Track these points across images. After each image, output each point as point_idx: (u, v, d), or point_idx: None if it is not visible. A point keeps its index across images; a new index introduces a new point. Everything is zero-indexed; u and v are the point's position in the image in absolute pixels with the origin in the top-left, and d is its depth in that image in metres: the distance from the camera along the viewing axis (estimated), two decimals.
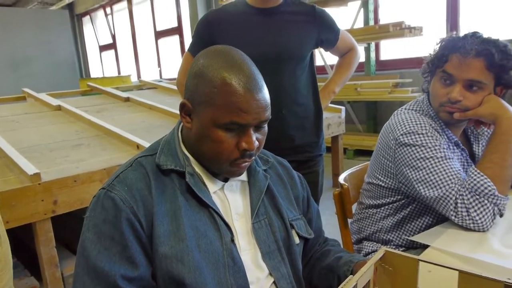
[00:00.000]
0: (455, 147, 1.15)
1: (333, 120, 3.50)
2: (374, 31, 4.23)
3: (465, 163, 1.16)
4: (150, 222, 0.73)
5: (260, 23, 1.49)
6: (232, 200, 0.83)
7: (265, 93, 0.76)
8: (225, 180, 0.84)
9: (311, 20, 1.53)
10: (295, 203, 0.93)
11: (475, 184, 0.99)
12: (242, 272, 0.77)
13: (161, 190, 0.77)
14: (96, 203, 0.75)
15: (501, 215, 1.01)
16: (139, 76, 8.83)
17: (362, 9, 4.56)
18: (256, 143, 0.77)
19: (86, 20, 10.57)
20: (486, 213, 0.97)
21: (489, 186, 0.98)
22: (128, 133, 2.52)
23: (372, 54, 4.69)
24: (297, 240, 0.87)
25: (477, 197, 0.98)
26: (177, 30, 7.52)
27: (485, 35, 1.10)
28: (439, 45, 1.14)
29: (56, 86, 5.02)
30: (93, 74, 10.55)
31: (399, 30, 4.05)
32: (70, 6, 10.13)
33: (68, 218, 2.11)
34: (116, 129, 2.59)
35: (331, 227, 1.61)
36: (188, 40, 7.13)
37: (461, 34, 1.13)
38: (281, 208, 0.88)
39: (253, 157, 0.80)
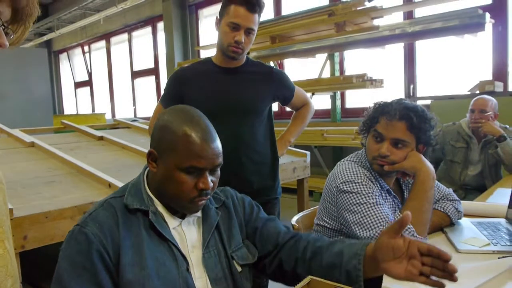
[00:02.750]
0: (387, 194, 1.34)
1: (299, 164, 3.69)
2: (339, 82, 4.55)
3: (396, 208, 1.35)
4: (117, 253, 0.87)
5: (224, 80, 1.68)
6: (188, 234, 0.97)
7: (218, 143, 0.94)
8: (183, 217, 0.99)
9: (269, 79, 1.73)
10: (239, 229, 1.06)
11: None
12: None
13: (128, 226, 0.91)
14: (70, 237, 0.88)
15: None
16: (113, 114, 8.92)
17: (328, 61, 4.91)
18: (211, 184, 0.93)
19: (63, 56, 10.70)
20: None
21: (409, 228, 1.16)
22: (101, 172, 2.61)
23: (338, 102, 5.00)
24: (239, 268, 1.00)
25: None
26: (154, 71, 7.75)
27: (408, 102, 1.32)
28: (372, 108, 1.36)
29: (30, 122, 5.08)
30: (67, 111, 10.55)
31: (362, 81, 4.37)
32: (48, 43, 10.27)
33: (36, 257, 2.16)
34: (88, 168, 2.68)
35: None
36: (163, 80, 7.36)
37: (389, 100, 1.35)
38: (225, 242, 1.01)
39: (209, 196, 0.96)
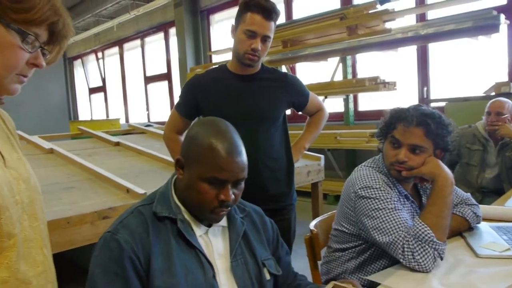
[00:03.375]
0: (405, 200, 1.35)
1: (313, 167, 3.70)
2: (351, 85, 4.55)
3: (415, 213, 1.36)
4: (148, 260, 0.90)
5: (239, 87, 1.69)
6: (214, 243, 1.00)
7: (243, 157, 0.97)
8: (209, 225, 1.02)
9: (284, 86, 1.75)
10: (267, 245, 1.11)
11: (417, 232, 1.18)
12: None
13: (157, 233, 0.94)
14: (103, 244, 0.92)
15: (441, 258, 1.19)
16: (127, 119, 9.03)
17: (341, 64, 4.91)
18: (233, 196, 0.96)
19: (77, 63, 10.88)
20: (428, 257, 1.15)
21: (429, 233, 1.17)
22: (119, 178, 2.66)
23: (351, 105, 5.00)
24: (268, 276, 1.04)
25: (420, 242, 1.17)
26: (166, 76, 7.83)
27: (424, 108, 1.33)
28: (388, 114, 1.37)
29: (47, 128, 5.17)
30: (81, 116, 10.71)
31: (375, 84, 4.37)
32: None
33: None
34: (107, 173, 2.73)
35: (306, 269, 1.76)
36: (176, 85, 7.43)
37: (406, 106, 1.36)
38: (255, 249, 1.05)
39: (230, 208, 0.99)
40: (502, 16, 3.48)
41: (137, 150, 3.55)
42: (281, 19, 5.65)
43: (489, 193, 2.73)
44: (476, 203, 1.51)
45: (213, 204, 0.95)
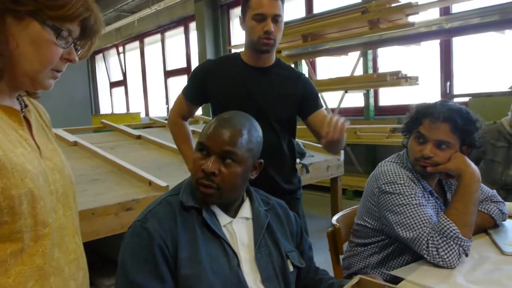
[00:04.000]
0: (429, 196, 1.34)
1: (333, 162, 3.70)
2: (372, 79, 4.51)
3: (439, 209, 1.35)
4: (175, 248, 0.93)
5: (250, 79, 1.60)
6: (238, 233, 1.03)
7: (232, 132, 0.99)
8: (233, 216, 1.04)
9: (296, 85, 1.65)
10: (290, 238, 1.12)
11: (442, 228, 1.18)
12: None
13: (184, 223, 0.97)
14: (133, 232, 0.95)
15: (466, 255, 1.18)
16: (147, 112, 9.15)
17: (361, 58, 4.87)
18: (215, 170, 0.96)
19: (98, 57, 11.05)
20: (453, 253, 1.14)
21: (454, 229, 1.17)
22: (141, 170, 2.71)
23: (371, 100, 4.95)
24: (291, 268, 1.05)
25: (445, 238, 1.16)
26: (186, 70, 7.89)
27: (451, 103, 1.32)
28: (414, 110, 1.36)
29: (70, 122, 5.28)
30: (102, 110, 10.89)
31: (396, 79, 4.32)
32: None
33: None
34: (129, 166, 2.79)
35: (325, 263, 1.76)
36: None
37: (432, 101, 1.34)
38: (279, 241, 1.06)
39: (213, 184, 0.97)
40: None
41: (158, 144, 3.60)
42: (302, 13, 5.63)
43: None
44: (502, 200, 1.49)
45: (197, 175, 0.99)
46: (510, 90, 3.64)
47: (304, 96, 1.66)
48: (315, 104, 1.68)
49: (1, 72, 0.76)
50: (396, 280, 1.34)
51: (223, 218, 1.02)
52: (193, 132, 4.13)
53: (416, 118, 1.33)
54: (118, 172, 2.79)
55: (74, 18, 0.78)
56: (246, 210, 1.07)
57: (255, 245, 1.02)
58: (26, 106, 0.89)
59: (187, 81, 1.76)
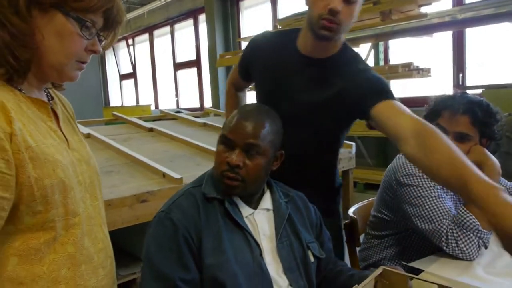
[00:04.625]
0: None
1: (344, 155, 3.69)
2: (384, 71, 4.47)
3: (458, 201, 1.35)
4: (199, 238, 0.94)
5: (297, 73, 1.25)
6: (260, 224, 1.04)
7: (255, 125, 1.01)
8: (255, 208, 1.05)
9: (350, 85, 1.19)
10: (310, 229, 1.13)
11: (462, 220, 1.18)
12: (269, 280, 0.97)
13: (207, 213, 0.98)
14: (157, 222, 0.97)
15: (485, 247, 1.18)
16: (156, 105, 9.18)
17: (372, 50, 4.82)
18: (239, 162, 0.98)
19: (108, 50, 11.02)
20: (472, 245, 1.15)
21: (474, 222, 1.17)
22: (154, 162, 2.74)
23: None
24: (312, 259, 1.07)
25: (464, 231, 1.17)
26: (195, 63, 7.89)
27: (471, 95, 1.31)
28: (433, 102, 1.35)
29: (82, 114, 5.32)
30: (112, 103, 10.95)
31: (408, 71, 4.28)
32: None
33: None
34: (143, 158, 2.81)
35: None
36: (205, 72, 7.49)
37: (451, 93, 1.34)
38: (300, 232, 1.08)
39: (238, 176, 0.99)
40: None
41: (170, 136, 3.63)
42: None
43: None
44: None
45: (222, 167, 1.00)
46: None
47: (358, 97, 1.17)
48: (377, 97, 1.16)
49: (29, 64, 0.77)
50: (415, 272, 1.36)
51: (245, 209, 1.04)
52: (205, 124, 4.17)
53: (435, 110, 1.33)
54: (132, 164, 2.81)
55: (97, 9, 0.79)
56: (267, 201, 1.08)
57: (276, 235, 1.04)
58: (52, 98, 0.91)
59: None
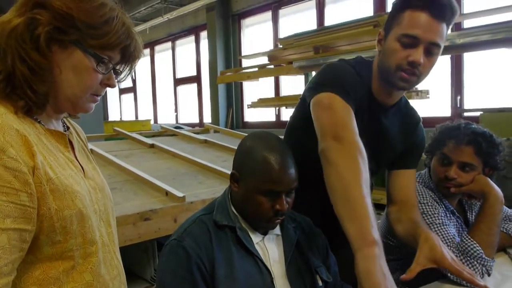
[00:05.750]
0: (451, 215, 1.38)
1: None
2: None
3: (460, 229, 1.38)
4: (212, 266, 0.96)
5: (369, 118, 1.21)
6: (270, 250, 1.06)
7: (293, 170, 1.03)
8: (264, 233, 1.08)
9: (412, 137, 1.31)
10: (317, 254, 1.15)
11: (466, 248, 1.21)
12: None
13: (219, 241, 1.00)
14: (170, 251, 0.99)
15: (488, 275, 1.21)
16: (155, 119, 9.21)
17: None
18: (287, 205, 1.02)
19: None
20: (476, 272, 1.17)
21: (477, 250, 1.20)
22: (157, 180, 2.75)
23: None
24: (320, 283, 1.09)
25: (468, 258, 1.19)
26: (196, 79, 7.96)
27: (475, 126, 1.35)
28: (438, 130, 1.39)
29: (83, 128, 5.35)
30: (111, 117, 10.96)
31: (407, 92, 4.32)
32: None
33: None
34: (145, 175, 2.83)
35: None
36: (205, 88, 7.54)
37: (456, 123, 1.38)
38: (308, 257, 1.10)
39: (284, 216, 1.05)
40: None
41: (171, 153, 3.64)
42: (313, 25, 5.69)
43: None
44: None
45: (269, 214, 1.02)
46: None
47: (410, 147, 1.32)
48: (411, 161, 1.33)
49: (47, 97, 0.80)
50: None
51: (256, 236, 1.06)
52: (205, 141, 4.20)
53: (441, 140, 1.37)
54: (134, 181, 2.83)
55: (115, 46, 0.82)
56: (276, 227, 1.10)
57: (285, 261, 1.06)
58: (68, 128, 0.93)
59: (335, 78, 1.18)
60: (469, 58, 4.47)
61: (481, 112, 3.83)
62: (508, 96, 4.12)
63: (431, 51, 1.10)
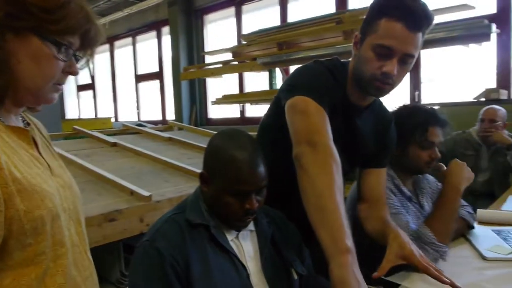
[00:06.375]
0: (408, 202, 1.47)
1: None
2: None
3: (418, 213, 1.48)
4: (187, 265, 0.95)
5: (344, 119, 1.23)
6: (245, 246, 1.06)
7: (262, 168, 1.02)
8: (238, 230, 1.07)
9: (384, 136, 1.35)
10: (291, 247, 1.16)
11: (419, 234, 1.30)
12: None
13: (192, 240, 0.99)
14: (142, 253, 0.96)
15: (444, 259, 1.29)
16: (116, 117, 8.96)
17: None
18: (257, 204, 1.02)
19: None
20: (429, 258, 1.23)
21: (429, 236, 1.29)
22: (121, 179, 2.68)
23: None
24: (295, 276, 1.09)
25: (422, 244, 1.27)
26: (158, 75, 7.80)
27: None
28: (411, 120, 1.49)
29: None
30: (69, 115, 10.57)
31: None
32: None
33: None
34: (109, 175, 2.75)
35: None
36: (168, 84, 7.42)
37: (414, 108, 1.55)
38: (282, 251, 1.10)
39: (255, 214, 1.05)
40: (494, 26, 3.59)
41: (135, 151, 3.55)
42: (276, 21, 5.72)
43: (481, 196, 2.84)
44: (466, 203, 1.64)
45: (239, 214, 1.01)
46: (475, 100, 3.84)
47: (382, 147, 1.35)
48: (382, 160, 1.36)
49: (5, 90, 0.75)
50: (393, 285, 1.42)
51: (229, 233, 1.05)
52: (170, 139, 4.13)
53: (422, 128, 1.47)
54: (97, 181, 2.74)
55: (75, 31, 0.78)
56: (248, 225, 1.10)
57: (261, 256, 1.06)
58: (28, 124, 0.88)
59: (307, 80, 1.19)
60: (426, 54, 4.64)
61: (438, 106, 3.99)
62: (463, 90, 4.32)
63: (405, 61, 1.11)
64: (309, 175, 0.97)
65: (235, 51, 5.69)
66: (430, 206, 1.54)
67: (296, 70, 1.23)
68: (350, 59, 1.25)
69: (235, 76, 6.31)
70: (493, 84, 4.10)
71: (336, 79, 1.20)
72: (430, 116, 1.47)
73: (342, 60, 1.28)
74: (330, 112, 1.10)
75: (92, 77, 9.79)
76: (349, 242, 0.88)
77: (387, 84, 1.12)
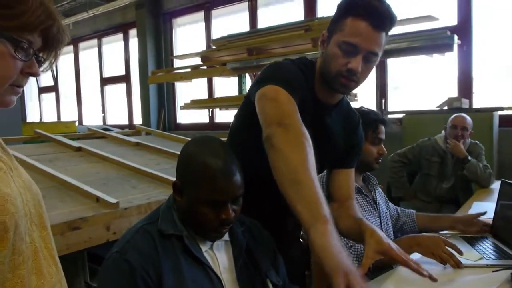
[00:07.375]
0: (357, 194, 1.58)
1: None
2: None
3: (369, 206, 1.64)
4: (159, 276, 0.90)
5: (313, 118, 1.20)
6: (219, 257, 1.03)
7: (238, 176, 0.99)
8: (213, 240, 1.04)
9: (352, 137, 1.37)
10: (266, 256, 1.14)
11: None
12: None
13: (165, 251, 0.95)
14: (112, 265, 0.91)
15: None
16: (81, 121, 8.68)
17: None
18: (233, 214, 0.99)
19: None
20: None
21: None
22: (86, 185, 2.57)
23: None
24: (271, 286, 1.07)
25: None
26: (125, 78, 7.63)
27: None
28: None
29: None
30: (29, 118, 10.15)
31: None
32: None
33: None
34: (73, 181, 2.63)
35: None
36: (135, 87, 7.26)
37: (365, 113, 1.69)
38: (257, 261, 1.08)
39: (231, 224, 1.02)
40: (455, 37, 3.74)
41: (101, 156, 3.43)
42: (246, 27, 5.72)
43: (446, 202, 2.93)
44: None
45: (214, 224, 0.98)
46: (438, 108, 3.98)
47: (351, 147, 1.37)
48: (351, 160, 1.39)
49: None
50: None
51: (204, 244, 1.02)
52: (137, 144, 4.03)
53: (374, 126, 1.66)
54: (60, 187, 2.62)
55: (34, 27, 0.71)
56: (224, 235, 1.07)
57: (236, 267, 1.03)
58: None
59: (282, 73, 1.18)
60: (392, 63, 4.78)
61: (404, 114, 4.11)
62: (427, 99, 4.47)
63: (369, 59, 1.14)
64: (281, 153, 0.93)
65: (204, 56, 5.65)
66: (384, 202, 1.79)
67: (266, 67, 1.22)
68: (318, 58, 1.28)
69: (204, 81, 6.26)
70: (455, 93, 4.26)
71: (305, 76, 1.21)
72: (377, 116, 1.73)
73: (310, 59, 1.30)
74: (300, 109, 1.09)
75: (55, 79, 9.45)
76: (327, 213, 0.86)
77: (352, 81, 1.16)
